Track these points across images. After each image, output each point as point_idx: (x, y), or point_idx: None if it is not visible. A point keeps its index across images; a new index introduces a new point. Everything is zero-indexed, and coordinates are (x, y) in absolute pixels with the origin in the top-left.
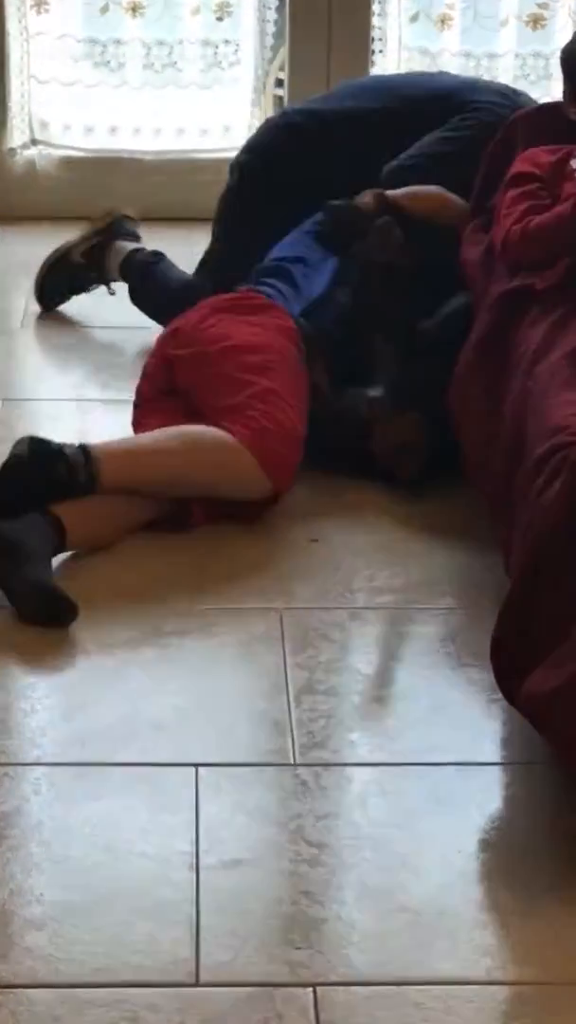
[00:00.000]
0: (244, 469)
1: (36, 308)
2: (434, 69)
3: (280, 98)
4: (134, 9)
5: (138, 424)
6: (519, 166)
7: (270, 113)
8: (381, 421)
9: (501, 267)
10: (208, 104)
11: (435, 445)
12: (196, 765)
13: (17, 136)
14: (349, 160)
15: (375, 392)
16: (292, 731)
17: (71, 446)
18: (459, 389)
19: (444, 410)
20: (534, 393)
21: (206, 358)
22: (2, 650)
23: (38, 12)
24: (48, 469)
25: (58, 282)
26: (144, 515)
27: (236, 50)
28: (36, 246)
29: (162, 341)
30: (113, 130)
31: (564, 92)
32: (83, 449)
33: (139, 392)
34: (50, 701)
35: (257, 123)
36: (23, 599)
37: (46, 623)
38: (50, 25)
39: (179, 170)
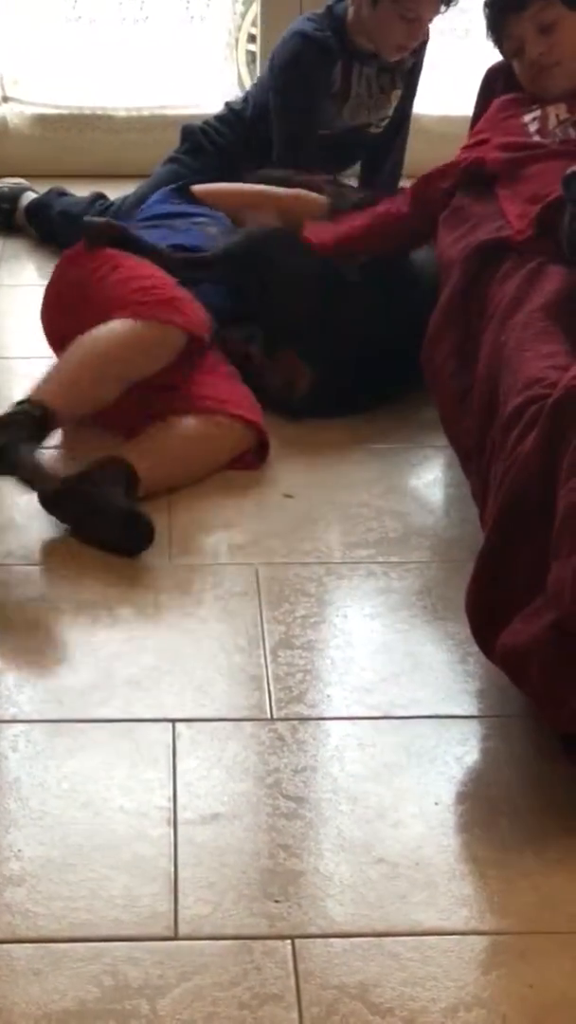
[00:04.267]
0: (150, 332)
1: (9, 266)
2: None
3: (252, 54)
4: None
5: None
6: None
7: (243, 69)
8: (262, 369)
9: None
10: (180, 61)
11: (334, 372)
12: (173, 720)
13: None
14: None
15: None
16: (269, 686)
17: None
18: (431, 345)
19: (325, 337)
20: (508, 346)
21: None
22: None
23: None
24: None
25: None
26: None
27: (208, 4)
28: None
29: None
30: (86, 87)
31: None
32: (29, 401)
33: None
34: (26, 659)
35: (228, 79)
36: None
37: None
38: None
39: (151, 126)
